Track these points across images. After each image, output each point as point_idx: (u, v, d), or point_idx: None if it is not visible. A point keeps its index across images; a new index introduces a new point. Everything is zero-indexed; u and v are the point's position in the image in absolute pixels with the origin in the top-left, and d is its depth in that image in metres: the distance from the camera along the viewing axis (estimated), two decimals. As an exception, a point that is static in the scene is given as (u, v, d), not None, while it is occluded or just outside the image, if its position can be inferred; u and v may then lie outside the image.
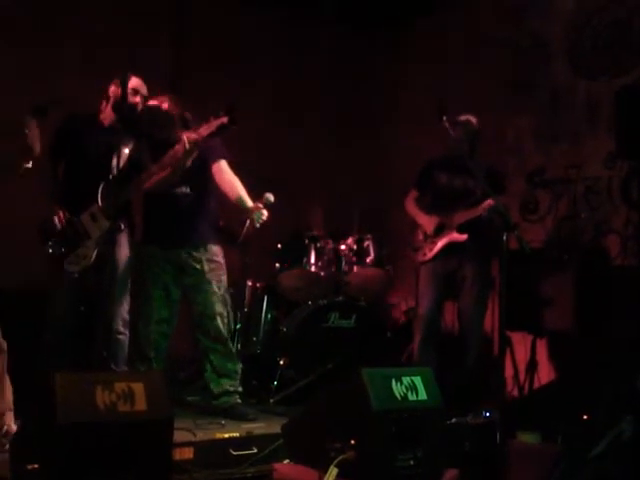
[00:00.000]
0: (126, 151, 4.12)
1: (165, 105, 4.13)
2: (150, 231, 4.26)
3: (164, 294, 4.23)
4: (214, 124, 3.85)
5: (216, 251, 4.23)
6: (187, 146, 3.86)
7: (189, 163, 3.99)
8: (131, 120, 4.10)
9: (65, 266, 3.95)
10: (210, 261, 4.18)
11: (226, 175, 4.19)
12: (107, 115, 4.18)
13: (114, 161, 4.08)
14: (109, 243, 4.00)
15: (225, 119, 3.83)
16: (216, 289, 4.17)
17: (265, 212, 4.03)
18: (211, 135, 3.87)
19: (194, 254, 4.16)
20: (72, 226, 3.98)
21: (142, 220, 4.29)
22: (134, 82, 4.16)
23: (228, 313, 4.24)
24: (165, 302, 4.23)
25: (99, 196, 3.96)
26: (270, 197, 4.08)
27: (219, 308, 4.17)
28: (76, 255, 3.95)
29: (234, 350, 4.40)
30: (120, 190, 3.96)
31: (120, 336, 4.07)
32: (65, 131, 4.15)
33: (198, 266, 4.15)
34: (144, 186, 4.00)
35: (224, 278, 4.24)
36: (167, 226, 4.18)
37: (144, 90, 4.20)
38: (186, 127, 4.08)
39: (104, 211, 3.95)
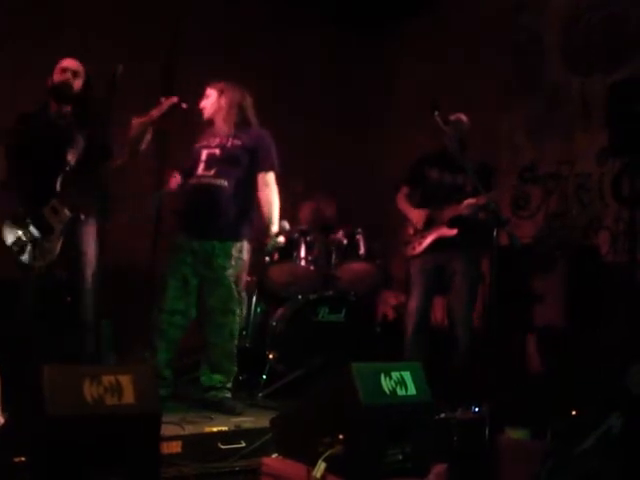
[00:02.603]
0: (81, 139, 4.01)
1: None
2: (182, 220, 4.25)
3: (181, 285, 4.17)
4: (165, 105, 3.89)
5: (241, 248, 4.19)
6: (134, 131, 3.86)
7: (143, 146, 3.94)
8: (78, 104, 4.02)
9: (30, 262, 3.87)
10: (234, 257, 4.14)
11: (268, 189, 4.21)
12: (53, 105, 4.07)
13: (69, 151, 3.96)
14: (73, 235, 3.93)
15: (175, 99, 3.89)
16: (234, 286, 4.14)
17: (282, 239, 4.19)
18: (163, 116, 3.89)
19: (220, 247, 4.12)
20: (35, 221, 3.89)
21: (176, 210, 4.29)
22: (66, 62, 4.04)
23: (241, 311, 4.21)
24: (181, 293, 4.17)
25: (58, 188, 3.89)
26: (286, 225, 4.30)
27: (233, 306, 4.15)
28: (41, 250, 3.88)
29: (234, 350, 4.33)
30: (81, 179, 3.87)
31: (89, 331, 3.99)
32: (18, 131, 4.03)
33: (220, 260, 4.12)
34: (109, 171, 3.94)
35: (244, 276, 4.23)
36: (199, 216, 4.16)
37: (77, 69, 4.06)
38: None
39: (64, 203, 3.87)
